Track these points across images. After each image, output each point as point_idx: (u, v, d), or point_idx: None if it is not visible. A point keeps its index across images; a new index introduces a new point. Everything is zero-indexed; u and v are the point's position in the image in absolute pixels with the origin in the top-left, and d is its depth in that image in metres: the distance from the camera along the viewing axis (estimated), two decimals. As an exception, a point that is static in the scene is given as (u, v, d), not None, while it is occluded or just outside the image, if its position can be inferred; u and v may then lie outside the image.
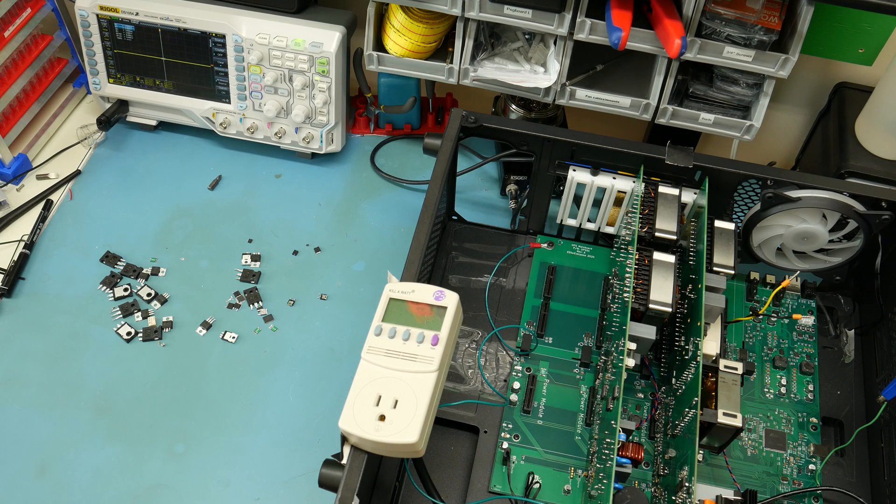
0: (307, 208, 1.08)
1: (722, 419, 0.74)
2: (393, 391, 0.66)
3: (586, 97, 0.98)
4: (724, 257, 0.83)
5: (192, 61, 1.06)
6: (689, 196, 0.88)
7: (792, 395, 0.88)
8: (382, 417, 0.65)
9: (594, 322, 0.93)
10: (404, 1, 0.95)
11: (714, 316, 0.81)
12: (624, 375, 0.75)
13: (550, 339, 0.91)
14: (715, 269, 0.83)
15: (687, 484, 0.69)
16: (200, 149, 1.15)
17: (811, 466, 0.83)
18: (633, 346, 0.78)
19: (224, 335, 0.94)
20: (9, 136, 1.08)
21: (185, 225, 1.05)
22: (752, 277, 0.96)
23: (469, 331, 0.93)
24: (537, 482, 0.80)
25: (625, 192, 0.91)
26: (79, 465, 0.83)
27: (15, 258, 1.00)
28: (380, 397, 0.66)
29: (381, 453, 0.66)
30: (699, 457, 0.74)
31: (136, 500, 0.81)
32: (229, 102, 1.08)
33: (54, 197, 1.08)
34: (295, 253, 1.03)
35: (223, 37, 1.03)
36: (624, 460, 0.75)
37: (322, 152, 1.10)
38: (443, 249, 1.00)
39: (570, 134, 0.90)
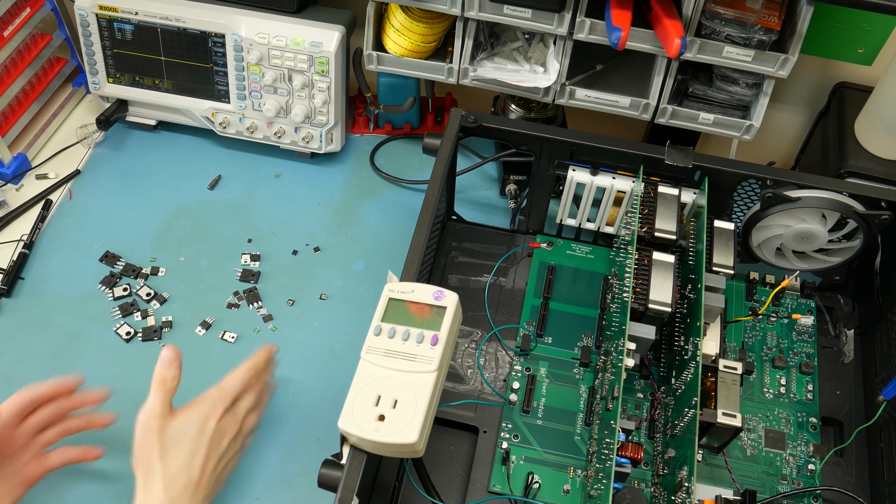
0: (307, 208, 1.08)
1: (721, 419, 0.74)
2: (392, 391, 0.66)
3: (586, 97, 0.98)
4: (724, 257, 0.83)
5: (191, 61, 1.06)
6: (688, 196, 0.88)
7: (791, 395, 0.88)
8: (382, 417, 0.65)
9: (594, 322, 0.93)
10: (404, 0, 0.95)
11: (713, 316, 0.81)
12: (623, 375, 0.75)
13: (550, 338, 0.91)
14: (714, 268, 0.83)
15: (686, 484, 0.69)
16: (200, 148, 1.14)
17: (811, 466, 0.83)
18: (632, 345, 0.78)
19: (223, 335, 0.94)
20: (8, 136, 1.08)
21: (185, 224, 1.05)
22: (751, 277, 0.96)
23: (468, 331, 0.93)
24: (537, 482, 0.80)
25: (624, 192, 0.91)
26: (77, 466, 0.83)
27: (14, 258, 0.99)
28: (379, 397, 0.66)
29: (380, 453, 0.66)
30: (698, 457, 0.74)
31: (136, 500, 0.81)
32: (229, 102, 1.08)
33: (53, 197, 1.08)
34: (294, 253, 1.03)
35: (222, 36, 1.03)
36: (623, 460, 0.75)
37: (321, 152, 1.10)
38: (442, 249, 1.00)
39: (570, 134, 0.90)
